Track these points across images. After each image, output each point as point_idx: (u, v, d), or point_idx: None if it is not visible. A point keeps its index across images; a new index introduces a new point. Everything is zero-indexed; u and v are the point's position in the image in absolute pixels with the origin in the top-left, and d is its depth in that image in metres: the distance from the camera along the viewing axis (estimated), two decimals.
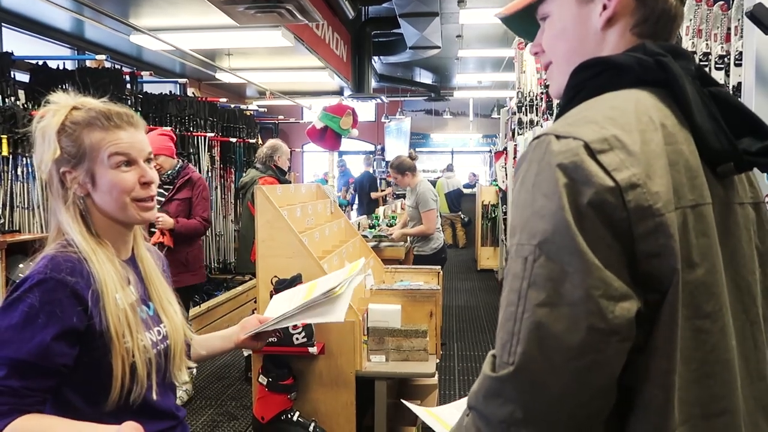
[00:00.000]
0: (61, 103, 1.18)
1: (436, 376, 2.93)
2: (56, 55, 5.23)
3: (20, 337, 1.06)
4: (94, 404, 1.13)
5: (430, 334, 2.73)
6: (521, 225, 0.72)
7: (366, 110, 13.99)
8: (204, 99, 6.32)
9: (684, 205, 0.71)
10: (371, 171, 11.42)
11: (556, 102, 4.39)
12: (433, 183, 8.42)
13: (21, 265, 3.45)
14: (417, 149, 14.69)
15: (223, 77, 6.80)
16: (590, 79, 0.80)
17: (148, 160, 1.22)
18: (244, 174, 4.75)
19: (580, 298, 0.66)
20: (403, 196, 10.89)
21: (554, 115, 0.93)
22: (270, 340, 2.48)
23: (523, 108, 6.15)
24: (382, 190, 10.67)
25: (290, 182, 4.55)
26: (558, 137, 0.71)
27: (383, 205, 8.76)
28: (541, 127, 4.25)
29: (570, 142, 0.70)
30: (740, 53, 2.67)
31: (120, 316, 1.13)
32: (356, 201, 10.64)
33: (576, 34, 0.85)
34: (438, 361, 2.80)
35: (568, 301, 0.66)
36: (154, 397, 1.18)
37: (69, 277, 1.10)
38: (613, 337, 0.66)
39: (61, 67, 4.50)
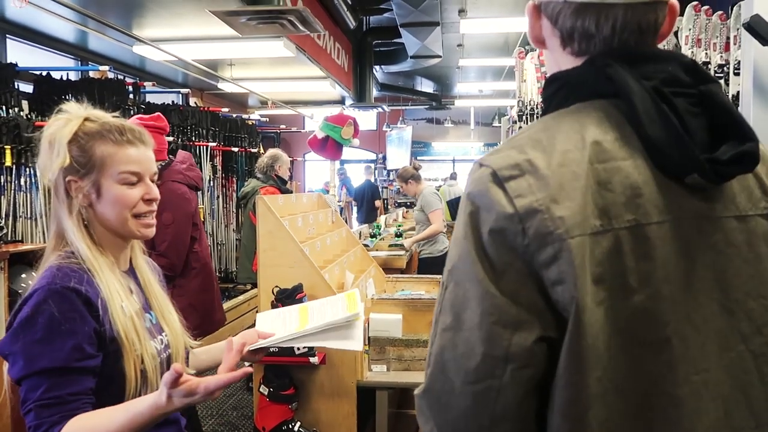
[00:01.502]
0: (74, 113, 1.20)
1: None
2: (60, 66, 5.27)
3: (51, 348, 1.06)
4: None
5: None
6: (449, 252, 0.74)
7: (367, 119, 14.03)
8: (206, 109, 6.35)
9: (617, 227, 0.66)
10: (372, 180, 11.43)
11: None
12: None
13: (24, 275, 3.45)
14: (418, 158, 14.73)
15: (225, 87, 6.84)
16: (553, 94, 0.79)
17: (153, 177, 1.25)
18: (245, 184, 4.76)
19: (477, 324, 0.67)
20: (405, 205, 10.94)
21: None
22: (271, 350, 2.48)
23: (524, 117, 6.16)
24: (382, 200, 10.68)
25: (291, 191, 4.56)
26: (480, 165, 0.72)
27: (384, 214, 8.77)
28: None
29: (484, 170, 0.71)
30: (739, 62, 2.67)
31: (128, 323, 1.15)
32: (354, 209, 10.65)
33: (547, 55, 0.85)
34: None
35: (467, 327, 0.68)
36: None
37: (79, 285, 1.11)
38: (508, 364, 0.66)
39: (64, 78, 4.54)
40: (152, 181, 1.25)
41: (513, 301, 0.66)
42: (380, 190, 11.80)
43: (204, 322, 2.76)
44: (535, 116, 5.82)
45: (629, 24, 0.74)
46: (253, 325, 1.42)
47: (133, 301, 1.20)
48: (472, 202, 0.70)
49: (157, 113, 2.53)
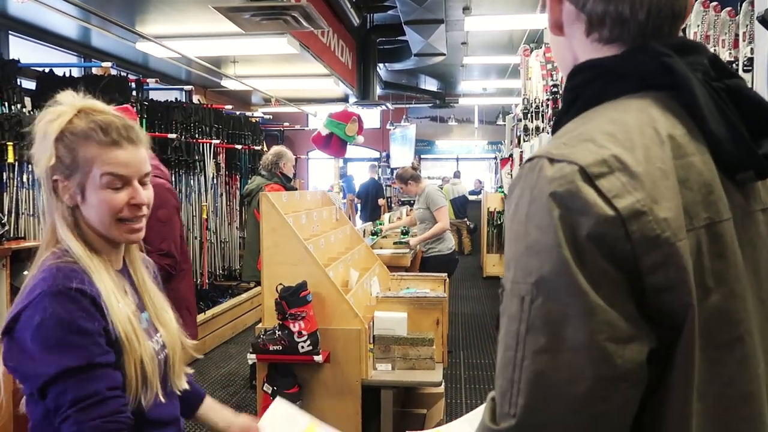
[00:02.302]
0: (66, 105, 1.14)
1: (443, 384, 2.90)
2: (62, 62, 5.25)
3: (70, 348, 1.03)
4: None
5: (436, 342, 2.70)
6: (515, 260, 0.65)
7: (371, 117, 13.99)
8: (209, 106, 6.33)
9: (697, 226, 0.64)
10: (376, 178, 11.41)
11: None
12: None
13: (26, 273, 3.42)
14: (422, 156, 14.73)
15: (229, 84, 6.81)
16: (585, 86, 0.74)
17: (144, 178, 1.18)
18: (249, 181, 4.74)
19: (583, 344, 0.60)
20: (409, 203, 10.91)
21: (552, 123, 0.86)
22: (275, 348, 2.46)
23: (529, 115, 6.13)
24: (386, 198, 10.66)
25: (296, 189, 4.53)
26: (551, 161, 0.64)
27: (388, 212, 8.74)
28: (548, 133, 4.23)
29: (564, 166, 0.63)
30: (749, 59, 2.65)
31: (127, 324, 1.12)
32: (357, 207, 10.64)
33: (557, 42, 0.81)
34: (445, 367, 2.76)
35: (571, 347, 0.60)
36: (163, 400, 1.17)
37: (82, 285, 1.08)
38: (621, 383, 0.60)
39: (67, 75, 4.52)
40: (143, 183, 1.18)
41: (622, 314, 0.60)
42: (384, 188, 11.77)
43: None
44: (540, 114, 5.80)
45: (664, 8, 0.71)
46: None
47: (128, 301, 1.17)
48: (559, 204, 0.61)
49: (125, 105, 2.41)
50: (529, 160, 0.68)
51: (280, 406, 1.55)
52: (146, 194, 1.18)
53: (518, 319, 0.63)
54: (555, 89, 4.59)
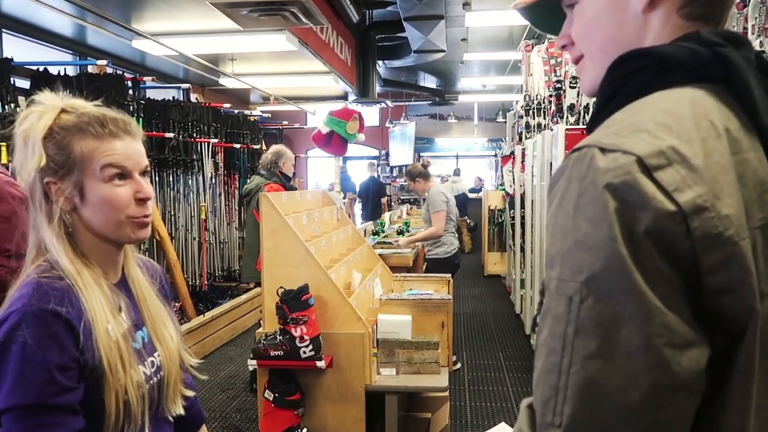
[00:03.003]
0: (49, 104, 1.05)
1: (447, 390, 2.83)
2: (57, 60, 5.17)
3: (23, 381, 0.93)
4: None
5: (441, 346, 2.63)
6: (562, 256, 0.60)
7: (370, 115, 13.93)
8: (207, 104, 6.25)
9: (753, 227, 0.60)
10: (376, 176, 11.34)
11: (569, 104, 4.31)
12: None
13: None
14: (422, 154, 14.65)
15: (227, 83, 6.73)
16: (631, 75, 0.68)
17: (143, 173, 1.10)
18: (248, 180, 4.66)
19: (639, 348, 0.55)
20: (409, 201, 10.85)
21: (590, 115, 0.77)
22: (276, 353, 2.38)
23: (531, 111, 6.07)
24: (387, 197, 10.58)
25: (296, 188, 4.46)
26: (603, 151, 0.59)
27: (388, 210, 8.67)
28: (551, 130, 4.16)
29: (619, 157, 0.58)
30: (762, 52, 2.60)
31: (113, 349, 1.01)
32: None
33: (612, 20, 0.72)
34: (453, 370, 2.69)
35: (625, 352, 0.56)
36: None
37: (59, 307, 0.97)
38: (680, 393, 0.56)
39: (62, 73, 4.44)
40: (143, 177, 1.10)
41: (680, 316, 0.56)
42: (384, 186, 11.68)
43: None
44: (542, 110, 5.74)
45: None
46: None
47: (120, 320, 1.06)
48: (615, 197, 0.57)
49: None
50: (576, 149, 0.62)
51: None
52: (150, 189, 1.10)
53: (565, 321, 0.58)
54: (558, 85, 4.52)
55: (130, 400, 1.03)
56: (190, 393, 1.25)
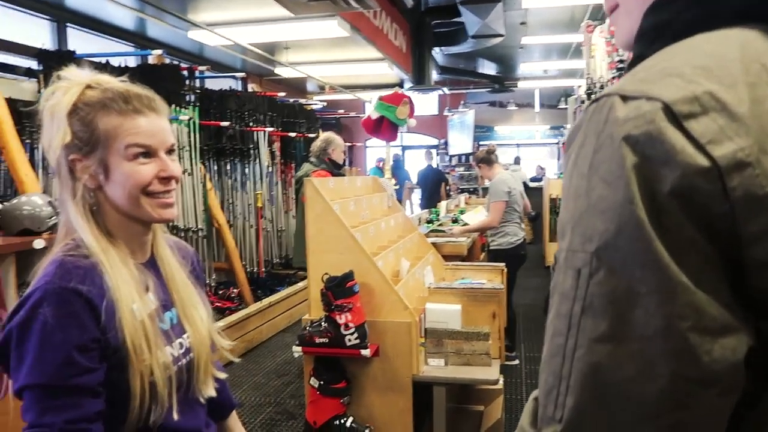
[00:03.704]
0: (74, 80, 1.03)
1: (501, 381, 2.71)
2: (117, 52, 5.34)
3: (41, 360, 0.92)
4: (112, 429, 1.00)
5: (492, 337, 2.52)
6: (573, 223, 0.52)
7: (428, 104, 13.78)
8: (263, 94, 6.31)
9: None
10: (434, 165, 11.24)
11: None
12: None
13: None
14: (481, 143, 14.37)
15: (283, 72, 6.78)
16: (672, 18, 0.58)
17: (169, 152, 1.07)
18: (300, 168, 4.67)
19: (658, 332, 0.46)
20: (468, 191, 10.66)
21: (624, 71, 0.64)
22: (321, 340, 2.35)
23: (593, 95, 5.79)
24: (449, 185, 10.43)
25: (344, 176, 4.42)
26: (625, 98, 0.50)
27: (446, 199, 8.55)
28: None
29: (642, 104, 0.49)
30: None
31: (137, 329, 0.99)
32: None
33: None
34: (511, 365, 2.58)
35: (641, 336, 0.47)
36: (176, 417, 1.04)
37: (81, 285, 0.95)
38: (710, 388, 0.46)
39: (122, 65, 4.56)
40: (169, 155, 1.07)
41: (713, 295, 0.46)
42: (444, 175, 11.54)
43: None
44: None
45: None
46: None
47: (147, 300, 1.04)
48: (634, 150, 0.48)
49: None
50: (596, 100, 0.52)
51: None
52: (176, 167, 1.07)
53: (572, 297, 0.50)
54: (621, 65, 4.26)
55: (156, 382, 1.00)
56: (222, 375, 1.21)
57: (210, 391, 1.15)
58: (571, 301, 0.50)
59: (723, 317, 0.46)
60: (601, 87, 5.54)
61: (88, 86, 1.03)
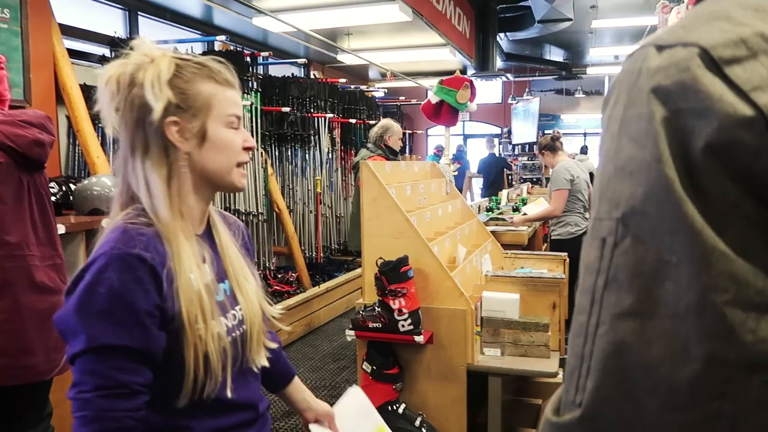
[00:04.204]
0: (158, 51, 1.03)
1: (561, 374, 2.62)
2: (184, 38, 5.49)
3: (113, 323, 0.92)
4: (166, 402, 1.00)
5: (552, 329, 2.43)
6: (601, 189, 0.47)
7: (491, 91, 13.52)
8: (324, 80, 6.33)
9: None
10: (496, 153, 11.03)
11: None
12: None
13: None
14: (546, 131, 13.98)
15: (345, 59, 6.78)
16: None
17: None
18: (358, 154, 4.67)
19: (692, 307, 0.40)
20: (531, 180, 10.39)
21: None
22: (374, 325, 2.32)
23: None
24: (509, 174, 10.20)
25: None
26: (660, 48, 0.44)
27: (508, 188, 8.37)
28: None
29: (677, 51, 0.43)
30: None
31: (194, 299, 0.99)
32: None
33: None
34: (562, 356, 2.48)
35: (672, 312, 0.41)
36: (229, 390, 1.04)
37: (144, 252, 0.96)
38: (755, 374, 0.39)
39: (190, 51, 4.68)
40: None
41: (760, 265, 0.40)
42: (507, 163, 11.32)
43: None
44: None
45: None
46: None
47: (204, 271, 1.04)
48: (666, 102, 0.42)
49: None
50: (631, 54, 0.47)
51: (355, 397, 1.43)
52: (252, 139, 1.14)
53: (596, 269, 0.45)
54: None
55: (209, 354, 0.99)
56: (274, 345, 1.21)
57: (263, 360, 1.15)
58: (595, 274, 0.45)
59: (766, 290, 0.39)
60: None
61: (177, 57, 1.05)
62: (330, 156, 6.40)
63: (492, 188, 9.24)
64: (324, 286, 5.58)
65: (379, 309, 2.31)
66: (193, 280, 1.00)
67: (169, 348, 0.98)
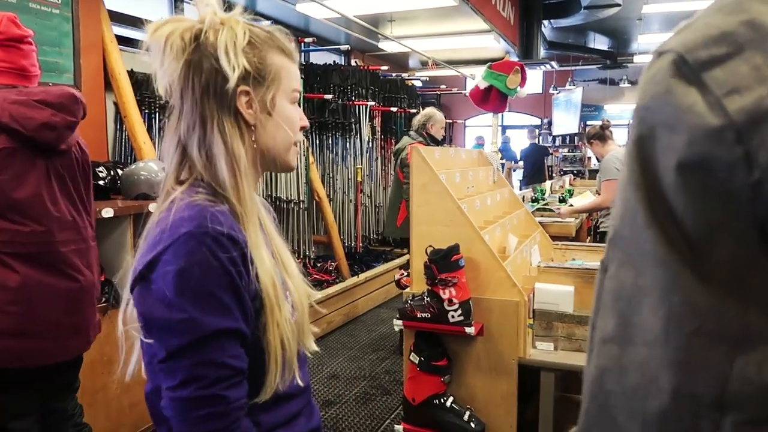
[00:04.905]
0: (225, 15, 0.94)
1: None
2: None
3: (220, 304, 0.86)
4: (250, 396, 0.92)
5: None
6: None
7: (533, 81, 13.24)
8: (365, 68, 6.27)
9: None
10: (538, 142, 10.87)
11: None
12: None
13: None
14: (587, 123, 13.65)
15: (386, 47, 6.70)
16: None
17: None
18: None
19: (658, 336, 0.38)
20: (572, 172, 10.16)
21: None
22: (423, 315, 2.26)
23: None
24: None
25: None
26: (656, 56, 0.41)
27: (549, 179, 8.20)
28: None
29: (657, 61, 0.40)
30: None
31: (271, 283, 0.93)
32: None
33: None
34: None
35: (645, 339, 0.39)
36: (299, 381, 0.99)
37: (232, 231, 0.89)
38: (727, 414, 0.36)
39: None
40: None
41: (733, 295, 0.36)
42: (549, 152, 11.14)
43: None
44: None
45: None
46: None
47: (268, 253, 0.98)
48: (643, 119, 0.40)
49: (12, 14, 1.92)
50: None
51: None
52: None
53: (596, 293, 0.46)
54: None
55: (285, 342, 0.93)
56: (316, 329, 1.13)
57: (313, 345, 1.08)
58: (595, 299, 0.45)
59: (746, 322, 0.35)
60: None
61: (249, 23, 0.97)
62: (370, 145, 6.34)
63: (534, 177, 9.09)
64: (363, 275, 5.54)
65: (429, 298, 2.24)
66: (267, 260, 0.94)
67: (254, 332, 0.92)
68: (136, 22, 4.40)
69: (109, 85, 3.65)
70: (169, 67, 0.92)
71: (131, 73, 3.75)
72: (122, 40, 3.90)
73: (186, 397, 0.84)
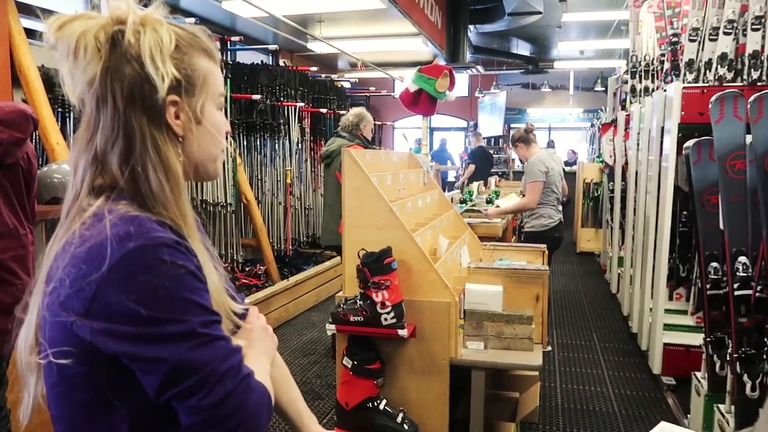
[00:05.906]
0: (148, 13, 0.83)
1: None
2: None
3: (201, 301, 0.80)
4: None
5: (536, 321, 2.39)
6: None
7: (459, 84, 13.48)
8: (294, 68, 6.19)
9: None
10: (484, 145, 11.14)
11: (687, 59, 3.82)
12: None
13: None
14: (511, 125, 14.08)
15: (315, 47, 6.64)
16: None
17: None
18: (329, 143, 4.53)
19: None
20: (498, 174, 10.43)
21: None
22: (355, 319, 2.24)
23: (637, 74, 5.54)
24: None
25: None
26: None
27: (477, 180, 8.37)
28: (663, 90, 3.71)
29: None
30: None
31: (221, 294, 0.88)
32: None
33: None
34: (544, 350, 2.45)
35: None
36: None
37: (183, 240, 0.82)
38: None
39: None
40: None
41: None
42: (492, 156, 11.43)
43: None
44: (650, 72, 5.21)
45: None
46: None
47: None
48: None
49: None
50: None
51: None
52: None
53: None
54: (675, 39, 4.03)
55: None
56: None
57: None
58: None
59: None
60: (647, 65, 5.30)
61: (172, 24, 0.87)
62: (300, 146, 6.27)
63: (485, 179, 9.31)
64: (293, 279, 5.47)
65: (361, 302, 2.23)
66: (216, 278, 0.87)
67: None
68: (47, 15, 4.14)
69: (16, 80, 3.41)
70: (82, 73, 0.81)
71: (42, 69, 3.52)
72: (32, 34, 3.66)
73: (205, 405, 0.78)
